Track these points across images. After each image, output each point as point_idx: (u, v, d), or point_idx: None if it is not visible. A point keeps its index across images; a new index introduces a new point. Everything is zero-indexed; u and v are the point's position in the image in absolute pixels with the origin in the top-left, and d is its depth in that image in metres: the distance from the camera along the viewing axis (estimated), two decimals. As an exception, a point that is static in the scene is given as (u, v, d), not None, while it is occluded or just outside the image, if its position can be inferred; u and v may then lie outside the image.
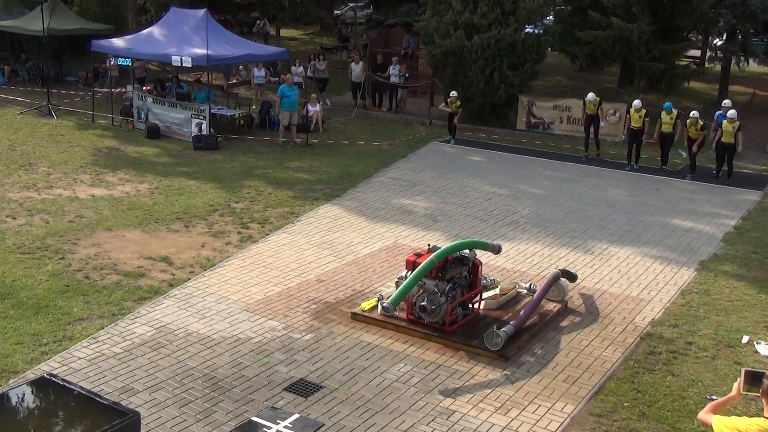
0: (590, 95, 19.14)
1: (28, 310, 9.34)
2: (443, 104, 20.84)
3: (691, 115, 17.14)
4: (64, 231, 12.18)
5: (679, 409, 7.81)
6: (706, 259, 12.29)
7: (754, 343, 9.33)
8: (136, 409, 6.52)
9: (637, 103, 17.94)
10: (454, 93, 20.40)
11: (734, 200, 15.94)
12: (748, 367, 5.27)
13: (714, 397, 7.97)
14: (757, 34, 24.75)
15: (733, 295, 10.84)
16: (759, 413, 5.06)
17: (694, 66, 27.16)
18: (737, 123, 16.72)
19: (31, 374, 7.80)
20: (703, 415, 5.01)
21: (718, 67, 26.75)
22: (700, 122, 17.11)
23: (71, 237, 11.94)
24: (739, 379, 4.97)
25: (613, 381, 8.34)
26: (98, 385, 7.72)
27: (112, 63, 22.59)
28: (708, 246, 12.95)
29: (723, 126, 16.81)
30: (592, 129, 19.07)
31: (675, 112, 17.43)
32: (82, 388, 5.90)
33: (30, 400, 5.74)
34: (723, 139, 16.85)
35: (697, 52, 30.94)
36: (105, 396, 7.03)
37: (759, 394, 4.85)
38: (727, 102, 17.68)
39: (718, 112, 17.73)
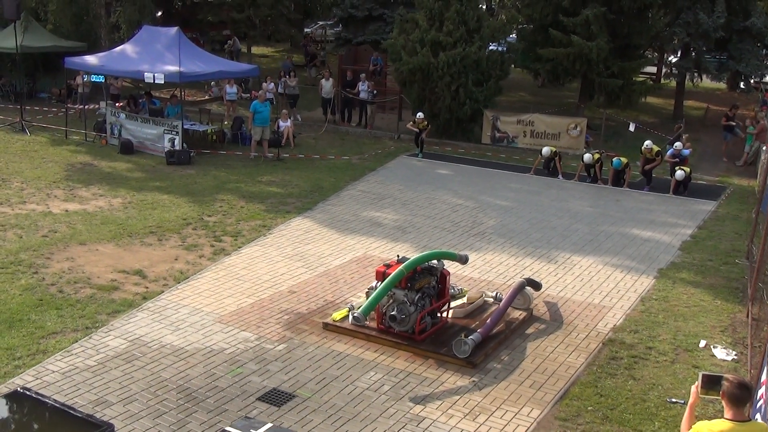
0: (545, 149, 19.25)
1: (1, 324, 9.28)
2: (410, 123, 21.20)
3: (645, 145, 18.35)
4: (37, 245, 12.15)
5: (640, 411, 8.02)
6: (664, 267, 12.64)
7: (711, 347, 9.63)
8: (110, 421, 6.54)
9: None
10: (420, 114, 20.88)
11: (690, 210, 16.39)
12: (705, 371, 5.39)
13: (673, 400, 8.27)
14: (710, 51, 25.58)
15: (690, 302, 11.17)
16: (717, 414, 5.23)
17: (651, 82, 28.03)
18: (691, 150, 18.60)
19: (4, 388, 7.76)
20: None
21: (674, 83, 27.55)
22: (655, 148, 18.29)
23: (45, 251, 11.91)
24: (696, 382, 5.11)
25: (578, 386, 8.54)
26: (72, 397, 7.71)
27: (85, 80, 22.56)
28: (666, 254, 13.32)
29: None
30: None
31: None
32: (55, 401, 5.85)
33: (4, 413, 5.62)
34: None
35: (653, 69, 31.88)
36: (79, 408, 7.04)
37: (719, 397, 5.00)
38: (678, 145, 18.83)
39: (670, 151, 18.77)
